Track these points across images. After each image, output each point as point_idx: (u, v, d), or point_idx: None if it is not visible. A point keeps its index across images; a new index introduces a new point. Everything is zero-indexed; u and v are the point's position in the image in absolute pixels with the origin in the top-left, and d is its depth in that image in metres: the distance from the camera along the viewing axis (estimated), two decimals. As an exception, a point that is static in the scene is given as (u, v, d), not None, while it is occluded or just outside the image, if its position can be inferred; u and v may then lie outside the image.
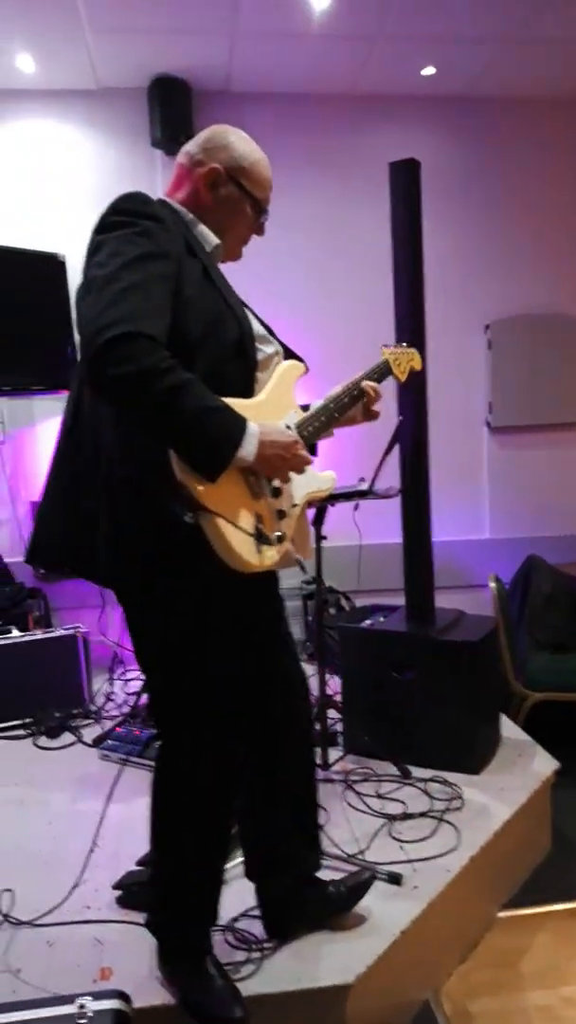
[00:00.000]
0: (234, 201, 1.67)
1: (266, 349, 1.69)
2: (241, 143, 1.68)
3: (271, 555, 1.55)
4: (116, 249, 1.43)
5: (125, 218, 1.47)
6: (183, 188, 1.68)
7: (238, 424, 1.45)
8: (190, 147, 1.69)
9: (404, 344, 2.00)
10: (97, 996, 1.53)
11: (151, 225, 1.48)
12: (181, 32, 3.51)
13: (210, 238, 1.65)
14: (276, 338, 1.76)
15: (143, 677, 3.22)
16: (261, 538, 1.52)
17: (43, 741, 3.08)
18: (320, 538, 2.70)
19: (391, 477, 2.79)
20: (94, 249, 1.46)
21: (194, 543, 1.45)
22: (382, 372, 1.88)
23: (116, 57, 3.70)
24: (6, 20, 3.33)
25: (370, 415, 1.83)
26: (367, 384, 1.78)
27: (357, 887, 1.89)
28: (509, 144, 4.24)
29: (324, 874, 1.93)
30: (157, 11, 3.32)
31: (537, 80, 4.04)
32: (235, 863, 2.04)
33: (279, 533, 1.58)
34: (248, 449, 1.45)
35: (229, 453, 1.43)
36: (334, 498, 2.64)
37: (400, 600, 3.00)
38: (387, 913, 1.90)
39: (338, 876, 1.95)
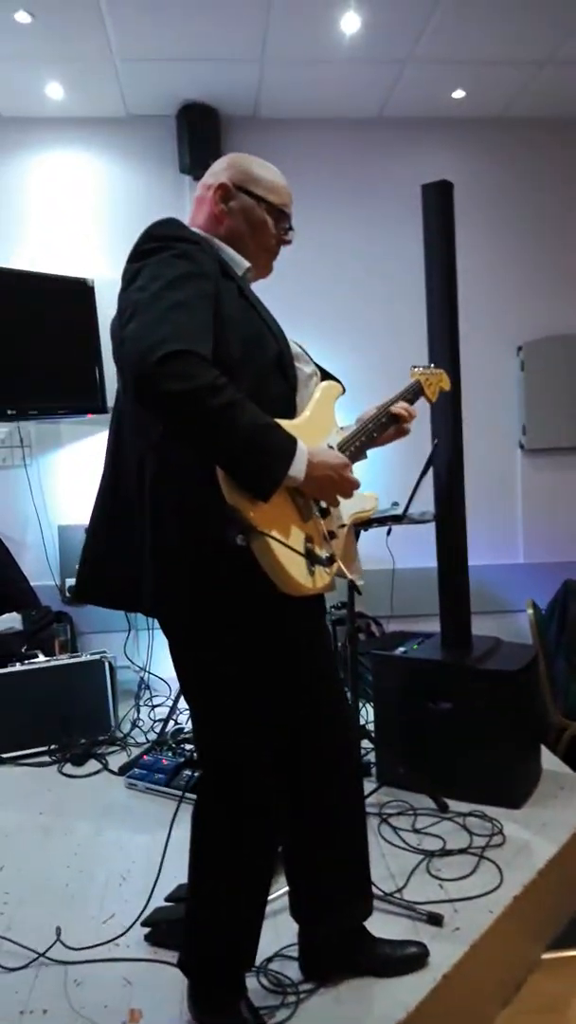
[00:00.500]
0: (249, 210, 1.66)
1: (305, 368, 1.68)
2: (247, 160, 1.71)
3: (323, 576, 1.51)
4: (156, 272, 1.42)
5: (161, 243, 1.47)
6: (201, 214, 1.69)
7: (289, 443, 1.43)
8: (204, 179, 1.71)
9: (432, 365, 2.01)
10: (127, 1041, 1.47)
11: (188, 247, 1.48)
12: (209, 59, 3.54)
13: (240, 261, 1.65)
14: (312, 360, 1.74)
15: (179, 704, 3.22)
16: (313, 559, 1.49)
17: (69, 768, 3.03)
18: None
19: (425, 502, 2.74)
20: (132, 276, 1.46)
21: (244, 567, 1.41)
22: (414, 393, 1.90)
23: (145, 84, 3.73)
24: (36, 49, 3.37)
25: (401, 433, 1.82)
26: (398, 408, 1.77)
27: (411, 960, 1.80)
28: (541, 165, 4.21)
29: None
30: (185, 38, 3.35)
31: (569, 102, 4.01)
32: (274, 896, 1.97)
33: (329, 554, 1.54)
34: (299, 468, 1.43)
35: (281, 471, 1.41)
36: (368, 523, 2.59)
37: (433, 626, 2.93)
38: (428, 951, 1.81)
39: (378, 917, 1.87)
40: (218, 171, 1.69)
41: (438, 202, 2.75)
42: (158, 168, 4.01)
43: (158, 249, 1.46)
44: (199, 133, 3.90)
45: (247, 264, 1.65)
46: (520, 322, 4.21)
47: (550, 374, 4.16)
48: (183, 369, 1.31)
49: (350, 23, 3.27)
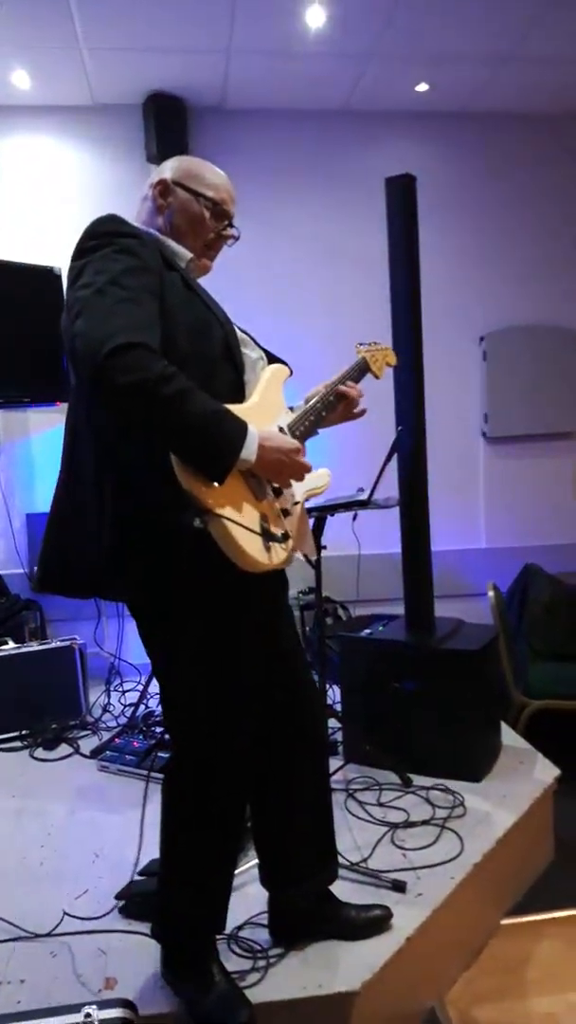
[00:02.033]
0: (186, 204, 1.69)
1: (251, 354, 1.72)
2: (191, 160, 1.75)
3: (279, 553, 1.57)
4: (100, 268, 1.46)
5: (103, 240, 1.50)
6: (144, 211, 1.73)
7: (240, 427, 1.48)
8: (151, 177, 1.75)
9: (377, 342, 2.02)
10: (103, 1005, 1.53)
11: (129, 242, 1.51)
12: (176, 50, 3.56)
13: (182, 252, 1.68)
14: (258, 344, 1.79)
15: (150, 688, 3.26)
16: (268, 536, 1.54)
17: (40, 753, 3.06)
18: (319, 548, 2.70)
19: (390, 487, 2.81)
20: (77, 274, 1.49)
21: (202, 549, 1.46)
22: (360, 371, 1.92)
23: (111, 74, 3.74)
24: (2, 36, 3.36)
25: (353, 415, 1.86)
26: (342, 389, 1.81)
27: (375, 922, 1.87)
28: (504, 159, 4.30)
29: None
30: (152, 29, 3.36)
31: (531, 96, 4.10)
32: (242, 870, 2.04)
33: (284, 531, 1.59)
34: (250, 451, 1.48)
35: (233, 455, 1.46)
36: (333, 508, 2.65)
37: (398, 610, 3.01)
38: (392, 920, 1.89)
39: (345, 885, 1.95)
40: (162, 169, 1.74)
41: (401, 195, 2.81)
42: (125, 157, 4.02)
43: (100, 246, 1.49)
44: (166, 123, 3.92)
45: (190, 255, 1.69)
46: (483, 313, 4.31)
47: (512, 364, 4.26)
48: (133, 362, 1.36)
49: (315, 16, 3.31)
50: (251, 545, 1.49)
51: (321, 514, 2.66)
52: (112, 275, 1.44)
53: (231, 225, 1.76)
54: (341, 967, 1.76)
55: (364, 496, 2.61)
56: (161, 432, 1.42)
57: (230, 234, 1.76)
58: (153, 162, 3.97)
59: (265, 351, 1.80)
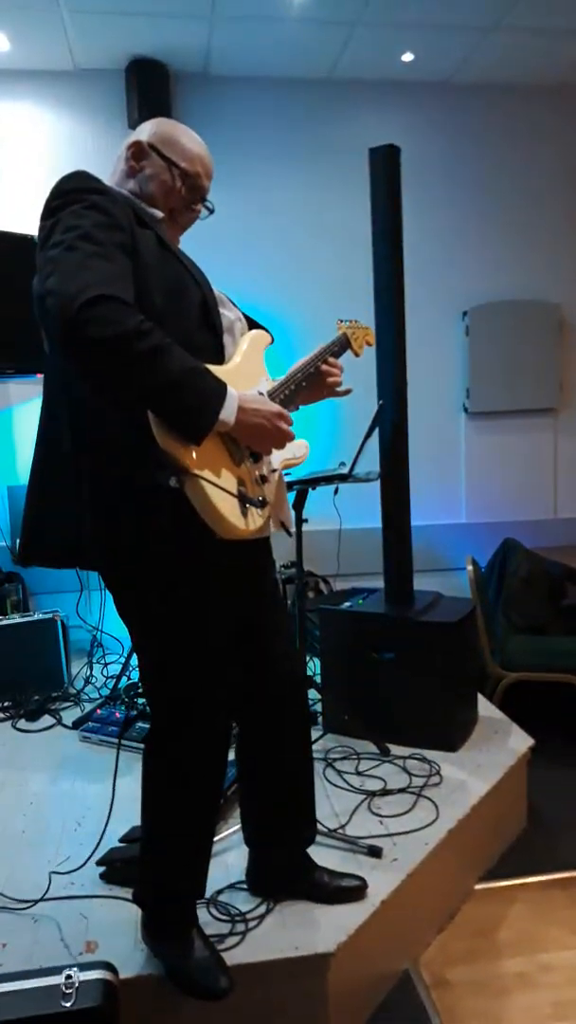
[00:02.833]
0: (159, 171, 1.65)
1: (228, 314, 1.69)
2: (171, 124, 1.70)
3: (256, 519, 1.56)
4: (69, 224, 1.42)
5: (71, 197, 1.46)
6: (116, 173, 1.69)
7: (220, 386, 1.46)
8: (128, 137, 1.71)
9: (358, 320, 2.02)
10: (84, 967, 1.56)
11: (98, 198, 1.47)
12: (159, 14, 3.49)
13: (154, 212, 1.65)
14: (236, 307, 1.77)
15: (132, 660, 3.28)
16: (246, 500, 1.53)
17: (23, 724, 3.08)
18: (300, 522, 2.72)
19: (371, 461, 2.83)
20: (47, 233, 1.44)
21: (178, 511, 1.45)
22: (341, 346, 1.91)
23: (93, 38, 3.67)
24: (-18, -2, 3.29)
25: (336, 393, 1.85)
26: (325, 368, 1.80)
27: (345, 891, 1.90)
28: (489, 131, 4.27)
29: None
30: (135, -9, 3.30)
31: (517, 68, 4.07)
32: (222, 836, 2.08)
33: (262, 497, 1.59)
34: (229, 412, 1.47)
35: (212, 415, 1.44)
36: (315, 482, 2.67)
37: (378, 583, 3.03)
38: (368, 884, 1.93)
39: (323, 851, 1.99)
40: (140, 130, 1.69)
41: (385, 166, 2.79)
42: (106, 123, 3.96)
43: (68, 203, 1.45)
44: (148, 89, 3.86)
45: (161, 214, 1.65)
46: (466, 287, 4.30)
47: (494, 339, 4.26)
48: (108, 315, 1.32)
49: (300, -18, 3.26)
50: (227, 509, 1.48)
51: (303, 487, 2.67)
52: (82, 231, 1.40)
53: (203, 200, 1.72)
54: (317, 929, 1.80)
55: (345, 470, 2.63)
56: (137, 390, 1.39)
57: (198, 210, 1.73)
58: (135, 128, 3.90)
59: (246, 316, 1.79)
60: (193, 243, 1.76)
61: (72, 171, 1.51)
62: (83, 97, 3.96)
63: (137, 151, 1.66)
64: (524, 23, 3.61)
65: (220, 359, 1.62)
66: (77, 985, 1.51)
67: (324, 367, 1.80)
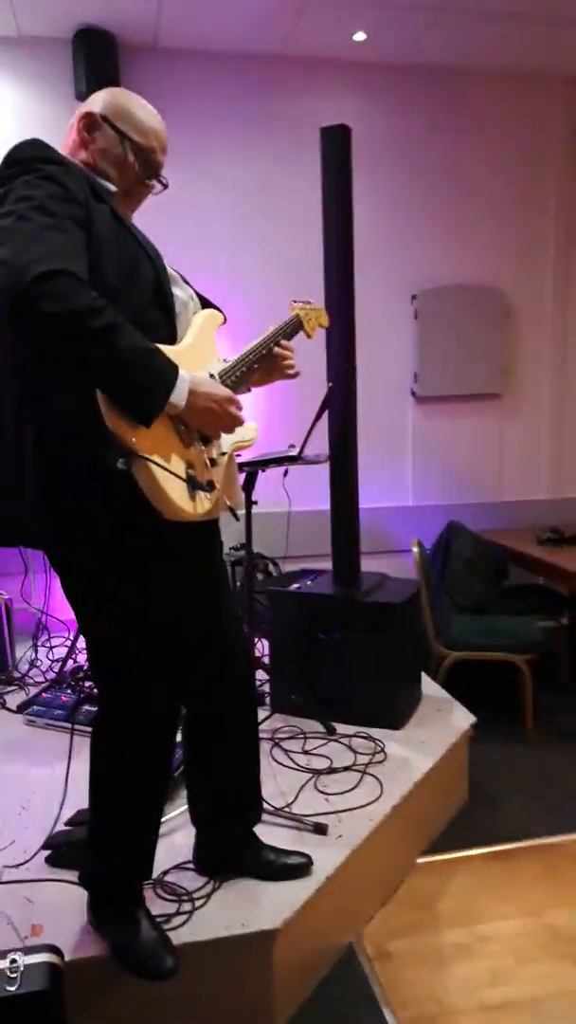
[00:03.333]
0: (111, 144, 1.62)
1: (180, 294, 1.68)
2: (125, 95, 1.66)
3: (204, 502, 1.56)
4: (23, 194, 1.38)
5: (25, 165, 1.43)
6: (68, 144, 1.64)
7: (171, 368, 1.45)
8: (79, 108, 1.66)
9: (311, 301, 2.01)
10: (29, 951, 1.55)
11: (54, 169, 1.44)
12: (107, -19, 3.40)
13: (107, 186, 1.61)
14: (189, 285, 1.75)
15: (78, 643, 3.25)
16: (194, 484, 1.53)
17: (-34, 708, 3.03)
18: (250, 503, 2.72)
19: (320, 444, 2.84)
20: None
21: (124, 493, 1.44)
22: (294, 327, 1.90)
23: (39, 4, 3.55)
24: None
25: (287, 375, 1.84)
26: (277, 350, 1.79)
27: (291, 868, 1.93)
28: (439, 116, 4.28)
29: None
30: (82, -43, 3.20)
31: (467, 53, 4.07)
32: (169, 817, 2.09)
33: (210, 480, 1.59)
34: (180, 395, 1.46)
35: (162, 398, 1.43)
36: (264, 463, 2.67)
37: (326, 565, 3.06)
38: (313, 861, 1.96)
39: (269, 829, 2.01)
40: (93, 100, 1.65)
41: (336, 146, 2.78)
42: (51, 93, 3.85)
43: (21, 172, 1.41)
44: (96, 59, 3.76)
45: (114, 188, 1.62)
46: (415, 270, 4.31)
47: (442, 323, 4.30)
48: (60, 289, 1.30)
49: (251, -45, 3.21)
50: (175, 492, 1.48)
51: (252, 469, 2.67)
52: (36, 202, 1.37)
53: (157, 175, 1.69)
54: (263, 906, 1.83)
55: (295, 452, 2.63)
56: (86, 367, 1.37)
57: (151, 185, 1.69)
58: (82, 100, 3.79)
59: (198, 295, 1.77)
60: (142, 218, 1.73)
61: (27, 139, 1.47)
62: (28, 65, 3.84)
63: (89, 122, 1.61)
64: (475, 7, 3.61)
65: (172, 338, 1.60)
66: (22, 969, 1.51)
67: (277, 349, 1.79)
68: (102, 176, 1.62)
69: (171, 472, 1.47)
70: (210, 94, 4.02)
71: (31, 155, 1.44)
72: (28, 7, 3.57)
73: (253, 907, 1.83)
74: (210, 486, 1.58)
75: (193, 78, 3.99)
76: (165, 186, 1.72)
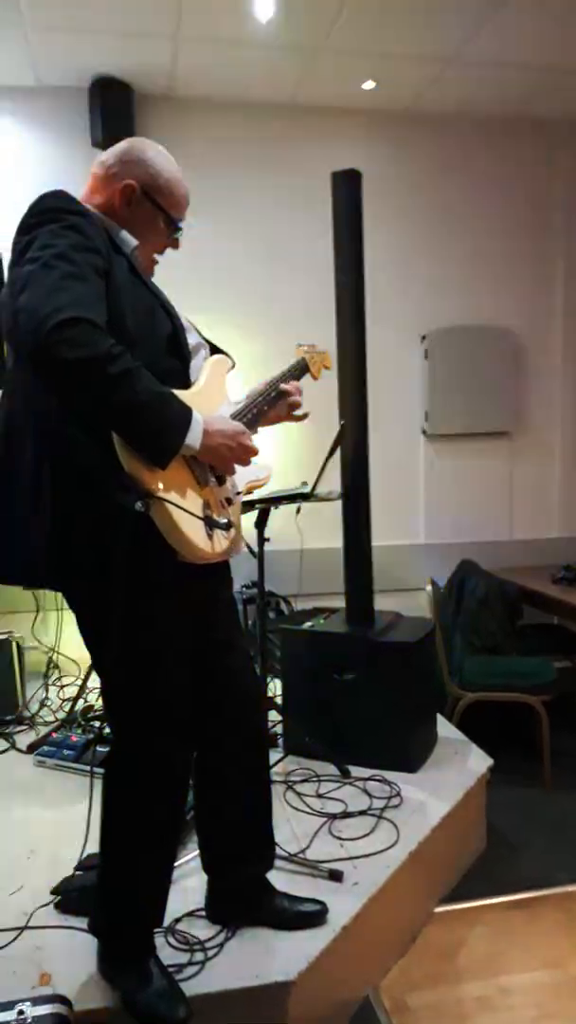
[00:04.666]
0: (149, 218, 1.67)
1: (191, 340, 1.71)
2: (158, 159, 1.68)
3: (221, 542, 1.56)
4: (46, 242, 1.43)
5: (50, 215, 1.47)
6: (98, 197, 1.67)
7: (185, 412, 1.48)
8: (105, 157, 1.68)
9: (315, 344, 2.05)
10: (37, 1001, 1.51)
11: (77, 220, 1.49)
12: (124, 34, 3.50)
13: (129, 240, 1.65)
14: (198, 332, 1.79)
15: (89, 683, 3.22)
16: (211, 524, 1.54)
17: (-25, 749, 3.00)
18: (263, 540, 2.71)
19: (332, 481, 2.83)
20: (24, 248, 1.45)
21: (142, 534, 1.45)
22: (301, 370, 1.94)
23: (57, 55, 3.66)
24: (-57, 11, 3.26)
25: (294, 416, 1.86)
26: (284, 387, 1.82)
27: (306, 917, 1.88)
28: (448, 160, 4.36)
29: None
30: (99, 11, 3.30)
31: (476, 99, 4.16)
32: (181, 862, 2.04)
33: (226, 520, 1.59)
34: (195, 437, 1.49)
35: (178, 440, 1.46)
36: (277, 501, 2.67)
37: (339, 604, 3.03)
38: (328, 909, 1.91)
39: (283, 876, 1.97)
40: (126, 161, 1.65)
41: (347, 189, 2.83)
42: (68, 141, 3.94)
43: (46, 221, 1.46)
44: (112, 108, 3.86)
45: (135, 242, 1.65)
46: (425, 312, 4.36)
47: (451, 363, 4.33)
48: (79, 337, 1.33)
49: (264, 8, 3.30)
50: (193, 531, 1.49)
51: (264, 506, 2.67)
52: (58, 250, 1.41)
53: (180, 229, 1.74)
54: (277, 957, 1.78)
55: (307, 489, 2.63)
56: (104, 412, 1.40)
57: (178, 245, 1.76)
58: (98, 147, 3.90)
59: (208, 341, 1.80)
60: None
61: (52, 190, 1.52)
62: (46, 114, 3.95)
63: (131, 196, 1.64)
64: (483, 55, 3.70)
65: (187, 384, 1.64)
66: (29, 1021, 1.47)
67: (285, 387, 1.82)
68: (130, 231, 1.65)
69: (188, 512, 1.48)
70: (221, 142, 4.11)
71: (56, 205, 1.49)
72: (47, 57, 3.67)
73: (267, 958, 1.78)
74: (227, 526, 1.59)
75: (205, 126, 4.09)
76: (176, 247, 1.77)
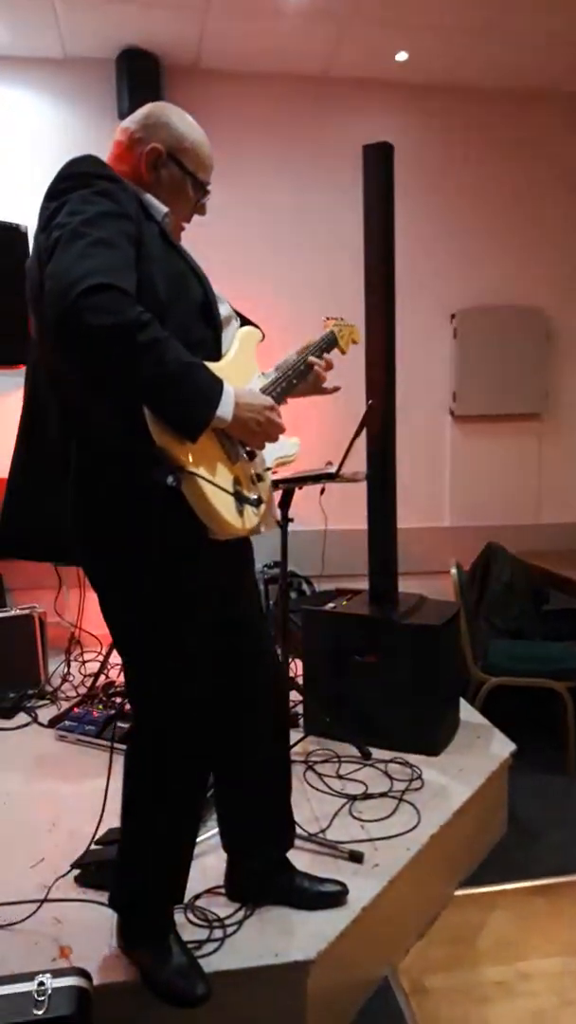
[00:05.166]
0: (176, 181, 1.64)
1: (222, 311, 1.67)
2: (182, 123, 1.65)
3: (251, 518, 1.54)
4: (75, 209, 1.39)
5: (80, 180, 1.43)
6: (124, 164, 1.63)
7: (216, 383, 1.44)
8: (128, 123, 1.65)
9: (344, 318, 2.00)
10: (57, 974, 1.52)
11: (108, 185, 1.45)
12: (151, 4, 3.44)
13: (159, 207, 1.61)
14: (229, 304, 1.75)
15: (111, 659, 3.23)
16: (242, 499, 1.52)
17: (-2, 722, 3.03)
18: (287, 521, 2.69)
19: (358, 462, 2.80)
20: (52, 214, 1.41)
21: (172, 513, 1.42)
22: (329, 343, 1.90)
23: (84, 26, 3.61)
24: (-29, -19, 3.23)
25: (322, 390, 1.83)
26: (313, 360, 1.79)
27: (326, 897, 1.87)
28: (481, 135, 4.26)
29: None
30: (128, -20, 3.25)
31: (511, 72, 4.06)
32: (202, 839, 2.04)
33: (256, 496, 1.57)
34: (226, 409, 1.45)
35: (209, 412, 1.42)
36: (301, 481, 2.64)
37: (362, 585, 3.01)
38: (349, 890, 1.90)
39: (303, 856, 1.96)
40: (149, 125, 1.62)
41: (378, 163, 2.77)
42: (96, 113, 3.90)
43: (77, 186, 1.42)
44: (139, 79, 3.81)
45: (166, 209, 1.62)
46: (454, 290, 4.29)
47: (481, 343, 4.26)
48: (107, 303, 1.29)
49: (295, -24, 3.23)
50: (224, 507, 1.47)
51: (289, 487, 2.64)
52: (88, 216, 1.37)
53: (207, 193, 1.71)
54: (297, 936, 1.77)
55: (332, 470, 2.60)
56: (132, 383, 1.36)
57: (205, 210, 1.72)
58: (124, 119, 3.85)
59: (237, 313, 1.77)
60: (183, 237, 1.73)
61: (83, 155, 1.49)
62: (73, 85, 3.91)
63: (156, 159, 1.61)
64: (518, 27, 3.60)
65: (218, 355, 1.61)
66: (50, 992, 1.47)
67: (314, 360, 1.79)
68: (156, 197, 1.62)
69: (219, 487, 1.46)
70: (251, 115, 4.05)
71: (86, 170, 1.46)
72: (74, 30, 3.63)
73: (286, 936, 1.77)
74: (258, 502, 1.56)
75: (233, 99, 4.02)
76: (203, 214, 1.74)
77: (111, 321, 1.29)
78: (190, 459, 1.41)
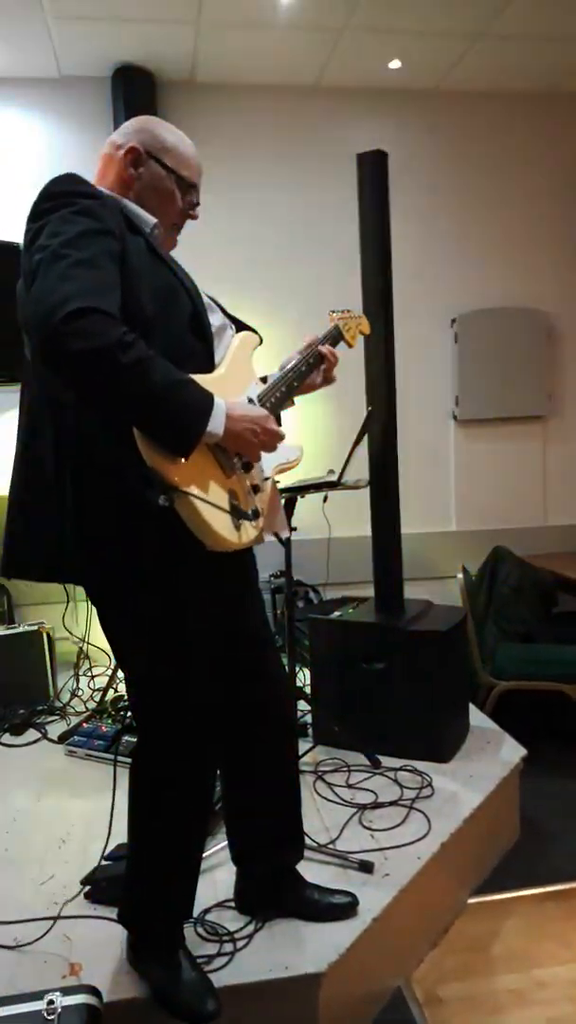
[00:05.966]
0: (158, 180, 1.62)
1: (215, 321, 1.66)
2: (161, 127, 1.66)
3: (249, 531, 1.53)
4: (56, 229, 1.38)
5: (60, 200, 1.43)
6: (110, 175, 1.64)
7: (206, 398, 1.43)
8: (113, 136, 1.67)
9: (350, 309, 1.97)
10: (67, 991, 1.51)
11: (89, 203, 1.44)
12: (144, 21, 3.47)
13: (147, 217, 1.61)
14: (224, 311, 1.74)
15: (119, 673, 3.23)
16: (238, 514, 1.50)
17: (7, 738, 3.02)
18: (290, 530, 2.68)
19: (360, 469, 2.80)
20: (33, 235, 1.41)
21: (168, 528, 1.42)
22: (334, 339, 1.88)
23: (78, 44, 3.65)
24: (-35, 4, 3.26)
25: (328, 380, 1.82)
26: (324, 349, 1.78)
27: (336, 908, 1.85)
28: (477, 139, 4.27)
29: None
30: (120, -2, 3.28)
31: (504, 75, 4.07)
32: (209, 852, 2.03)
33: (254, 508, 1.56)
34: (217, 424, 1.43)
35: (199, 428, 1.40)
36: (304, 489, 2.63)
37: (368, 593, 3.00)
38: (359, 901, 1.89)
39: (313, 867, 1.95)
40: (129, 132, 1.64)
41: (373, 171, 2.77)
42: (91, 130, 3.93)
43: (57, 207, 1.42)
44: (134, 96, 3.84)
45: (153, 220, 1.61)
46: (454, 295, 4.29)
47: (482, 347, 4.25)
48: (89, 327, 1.28)
49: (286, -12, 3.25)
50: (220, 523, 1.45)
51: (291, 496, 2.64)
52: (68, 237, 1.37)
53: (197, 203, 1.71)
54: (308, 949, 1.76)
55: (334, 477, 2.59)
56: (120, 403, 1.35)
57: (195, 214, 1.71)
58: (119, 136, 3.88)
59: (233, 319, 1.76)
60: (178, 248, 1.73)
61: (62, 173, 1.48)
62: (68, 104, 3.94)
63: (135, 158, 1.61)
64: (511, 30, 3.61)
65: (211, 366, 1.59)
66: (59, 1011, 1.46)
67: (323, 350, 1.78)
68: (142, 207, 1.62)
69: (214, 505, 1.44)
70: (246, 128, 4.07)
71: (65, 189, 1.45)
72: (68, 48, 3.66)
73: (297, 949, 1.76)
74: (254, 515, 1.55)
75: (229, 112, 4.05)
76: (195, 218, 1.73)
77: (93, 345, 1.28)
78: (182, 478, 1.39)
